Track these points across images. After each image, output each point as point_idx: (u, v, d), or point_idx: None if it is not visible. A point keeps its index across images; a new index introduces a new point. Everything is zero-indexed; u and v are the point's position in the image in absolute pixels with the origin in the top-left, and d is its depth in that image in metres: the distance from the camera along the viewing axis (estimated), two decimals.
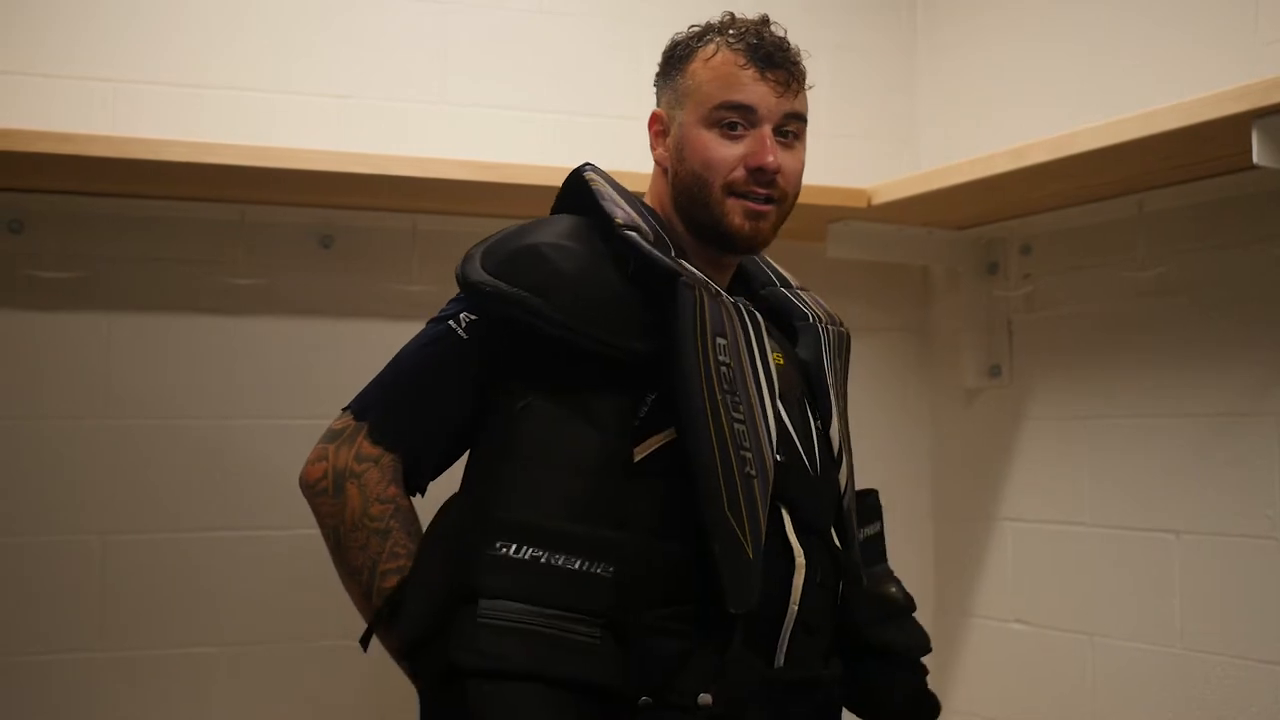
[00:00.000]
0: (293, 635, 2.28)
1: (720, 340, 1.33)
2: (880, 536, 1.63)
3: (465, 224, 2.29)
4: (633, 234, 1.37)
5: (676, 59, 1.48)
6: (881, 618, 1.56)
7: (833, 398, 1.52)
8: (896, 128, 2.79)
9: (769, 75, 1.41)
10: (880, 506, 1.64)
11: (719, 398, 1.31)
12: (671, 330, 1.32)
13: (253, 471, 2.28)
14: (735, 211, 1.42)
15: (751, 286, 1.57)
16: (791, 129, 1.45)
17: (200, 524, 2.25)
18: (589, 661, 1.26)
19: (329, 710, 2.28)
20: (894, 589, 1.58)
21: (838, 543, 1.49)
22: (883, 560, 1.63)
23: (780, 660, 1.38)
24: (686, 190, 1.45)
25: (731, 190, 1.42)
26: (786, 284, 1.60)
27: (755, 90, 1.41)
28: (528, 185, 2.10)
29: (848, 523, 1.50)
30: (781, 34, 1.47)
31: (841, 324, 1.59)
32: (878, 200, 2.34)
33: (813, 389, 1.51)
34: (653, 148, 1.51)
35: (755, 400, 1.35)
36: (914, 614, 1.60)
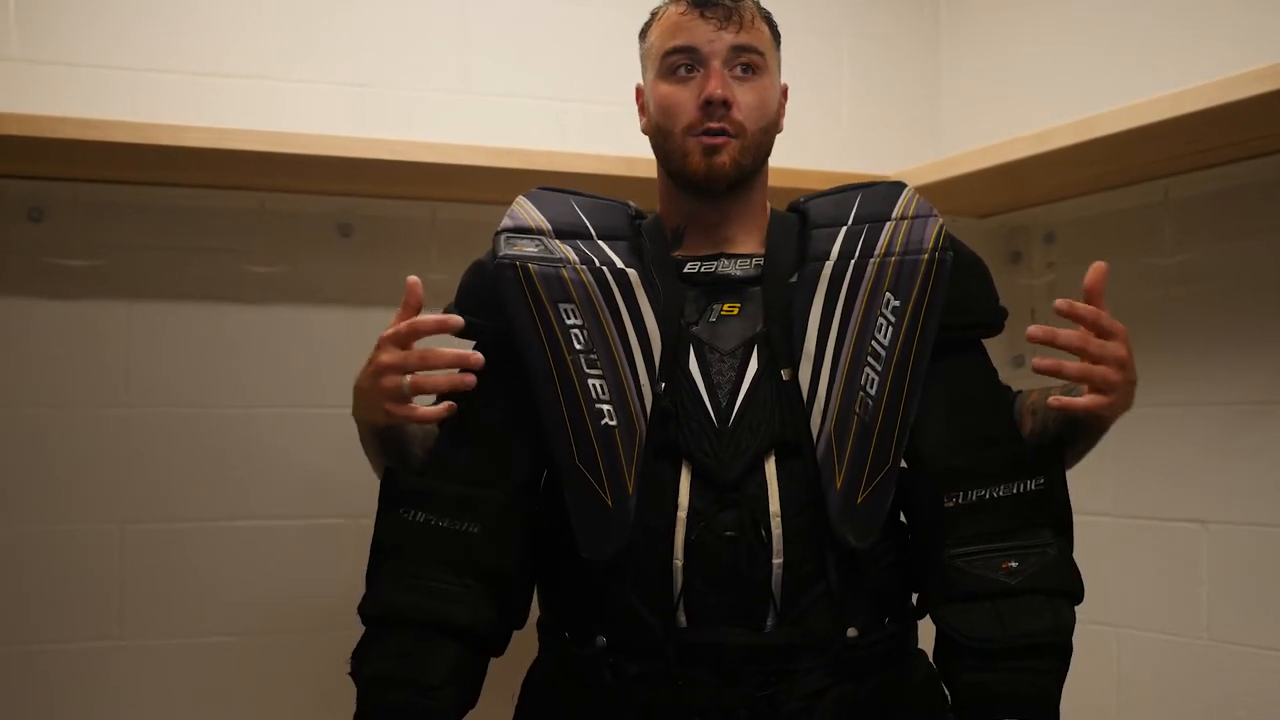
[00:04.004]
0: (312, 625, 2.27)
1: (566, 305, 1.41)
2: (1016, 500, 1.40)
3: (485, 212, 2.27)
4: (501, 235, 1.48)
5: (642, 32, 1.56)
6: (957, 596, 1.39)
7: (812, 341, 1.42)
8: (918, 115, 2.77)
9: (707, 15, 1.47)
10: (1020, 465, 1.42)
11: (566, 357, 1.40)
12: (504, 306, 1.43)
13: (273, 460, 2.28)
14: (694, 151, 1.47)
15: (804, 230, 1.51)
16: (745, 62, 1.47)
17: (220, 513, 2.25)
18: (457, 606, 1.40)
19: (347, 700, 2.28)
20: (1010, 563, 1.39)
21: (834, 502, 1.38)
22: (1017, 530, 1.40)
23: (682, 619, 1.38)
24: (660, 147, 1.52)
25: (689, 132, 1.47)
26: (869, 219, 1.49)
27: (695, 31, 1.47)
28: (548, 172, 2.09)
29: (826, 476, 1.39)
30: None
31: (925, 251, 1.44)
32: None
33: (788, 337, 1.44)
34: (640, 123, 1.58)
35: (620, 356, 1.41)
36: (1046, 597, 1.38)
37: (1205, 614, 2.12)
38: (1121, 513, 2.29)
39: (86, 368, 2.19)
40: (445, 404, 1.39)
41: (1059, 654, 1.39)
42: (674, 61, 1.47)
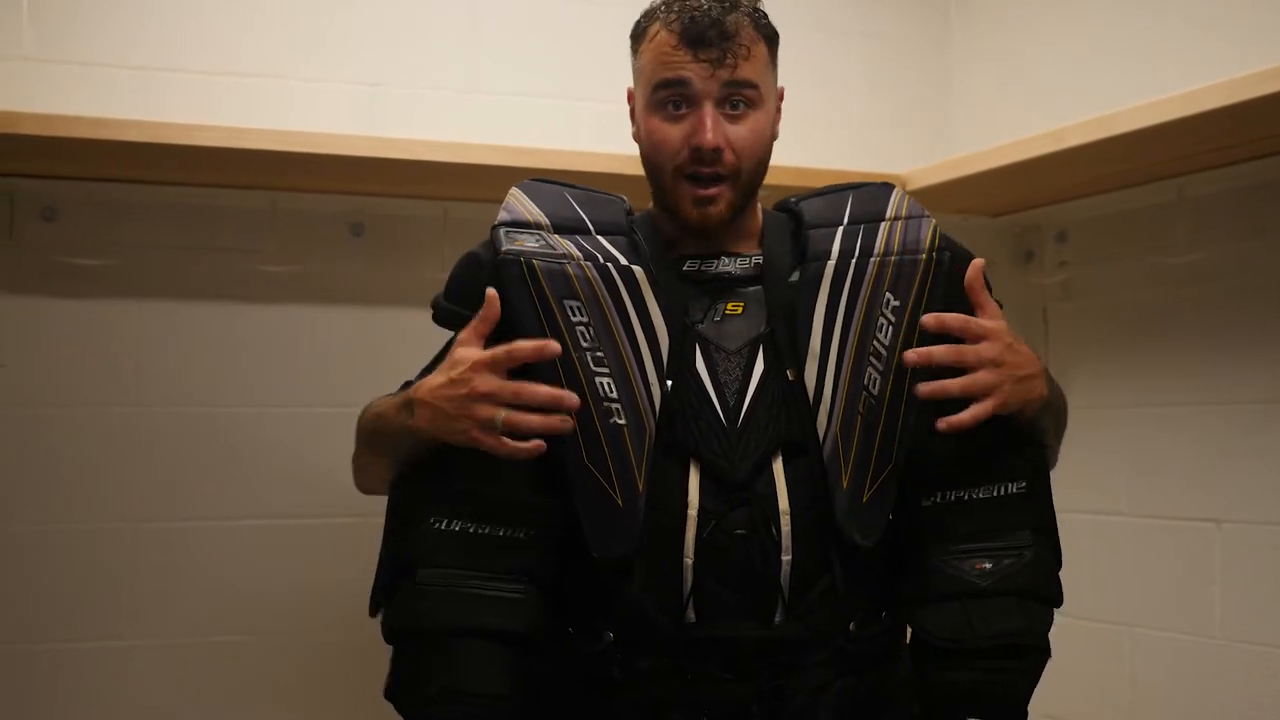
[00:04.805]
0: (323, 624, 2.28)
1: (571, 303, 1.39)
2: (996, 502, 1.40)
3: (496, 212, 2.28)
4: (500, 229, 1.46)
5: (634, 37, 1.52)
6: (933, 597, 1.40)
7: (818, 341, 1.42)
8: (929, 114, 2.76)
9: (700, 55, 1.42)
10: (1002, 468, 1.42)
11: (573, 355, 1.37)
12: (506, 303, 1.39)
13: (284, 460, 2.28)
14: (686, 198, 1.45)
15: (800, 231, 1.50)
16: (739, 98, 1.44)
17: (231, 512, 2.25)
18: (514, 614, 1.36)
19: (360, 698, 2.28)
20: (984, 564, 1.39)
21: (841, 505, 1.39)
22: (996, 531, 1.40)
23: (691, 615, 1.38)
24: (649, 173, 1.51)
25: (680, 173, 1.45)
26: (864, 219, 1.49)
27: (688, 69, 1.43)
28: (560, 171, 2.08)
29: (833, 475, 1.40)
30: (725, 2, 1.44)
31: (922, 251, 1.44)
32: (912, 187, 2.32)
33: (793, 336, 1.44)
34: (631, 128, 1.56)
35: (627, 354, 1.39)
36: (1018, 599, 1.38)
37: (1218, 613, 2.11)
38: (1134, 512, 2.28)
39: (98, 367, 2.20)
40: (535, 442, 1.34)
41: (1030, 655, 1.40)
42: (664, 96, 1.44)
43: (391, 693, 1.38)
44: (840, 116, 2.68)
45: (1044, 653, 1.41)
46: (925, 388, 1.38)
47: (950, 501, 1.42)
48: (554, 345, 1.36)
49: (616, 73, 2.47)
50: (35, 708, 2.14)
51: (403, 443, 1.42)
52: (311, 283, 2.31)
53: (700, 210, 1.45)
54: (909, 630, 1.48)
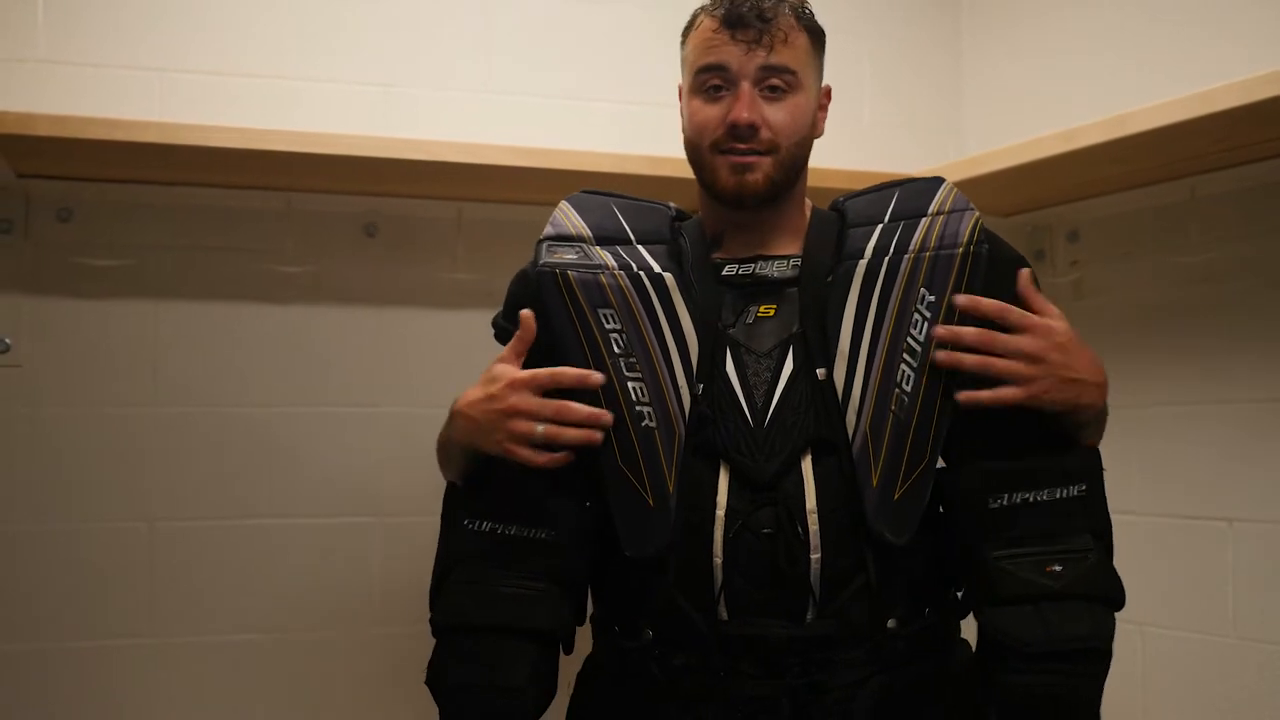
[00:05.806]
0: (339, 622, 2.29)
1: (605, 310, 1.45)
2: (1060, 504, 1.40)
3: (510, 212, 2.30)
4: (543, 243, 1.51)
5: (682, 34, 1.57)
6: (1006, 599, 1.38)
7: (847, 339, 1.43)
8: (941, 114, 2.77)
9: (738, 36, 1.47)
10: (1061, 471, 1.42)
11: (607, 361, 1.44)
12: (545, 313, 1.47)
13: (299, 459, 2.29)
14: (723, 168, 1.49)
15: (842, 230, 1.52)
16: (776, 82, 1.48)
17: (246, 511, 2.26)
18: (533, 611, 1.43)
19: (375, 697, 2.29)
20: (1054, 567, 1.38)
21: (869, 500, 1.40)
22: (1054, 534, 1.40)
23: (724, 613, 1.41)
24: (691, 157, 1.55)
25: (717, 149, 1.49)
26: (905, 215, 1.50)
27: (726, 51, 1.48)
28: (574, 171, 2.09)
29: (863, 473, 1.41)
30: None
31: (960, 244, 1.44)
32: None
33: (823, 336, 1.46)
34: (681, 125, 1.59)
35: (658, 360, 1.44)
36: (1086, 602, 1.38)
37: (1231, 612, 2.11)
38: (1146, 511, 2.28)
39: (113, 367, 2.21)
40: (564, 454, 1.42)
41: (1100, 659, 1.39)
42: (705, 79, 1.49)
43: (428, 680, 1.46)
44: (852, 117, 2.68)
45: (1109, 656, 1.40)
46: (939, 355, 1.40)
47: (1016, 503, 1.41)
48: (597, 376, 1.43)
49: (631, 73, 2.50)
50: (51, 706, 2.14)
51: (454, 453, 1.50)
52: (326, 283, 2.32)
53: (738, 178, 1.48)
54: (962, 627, 1.50)
